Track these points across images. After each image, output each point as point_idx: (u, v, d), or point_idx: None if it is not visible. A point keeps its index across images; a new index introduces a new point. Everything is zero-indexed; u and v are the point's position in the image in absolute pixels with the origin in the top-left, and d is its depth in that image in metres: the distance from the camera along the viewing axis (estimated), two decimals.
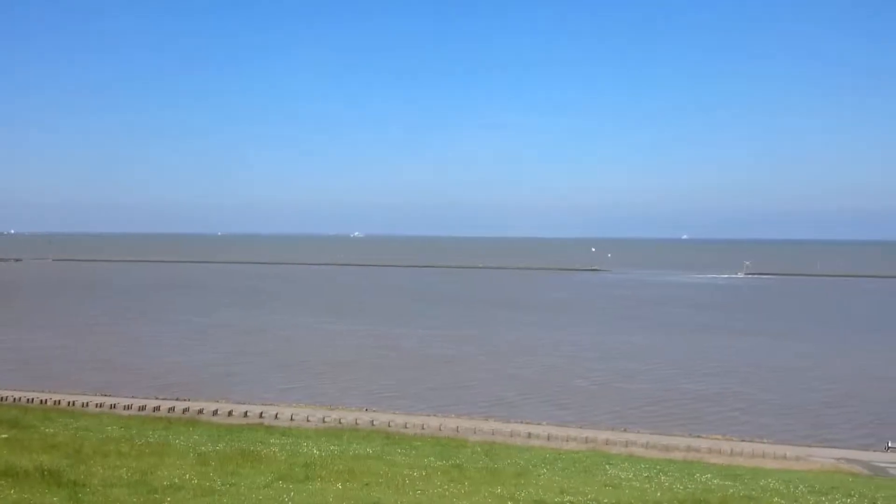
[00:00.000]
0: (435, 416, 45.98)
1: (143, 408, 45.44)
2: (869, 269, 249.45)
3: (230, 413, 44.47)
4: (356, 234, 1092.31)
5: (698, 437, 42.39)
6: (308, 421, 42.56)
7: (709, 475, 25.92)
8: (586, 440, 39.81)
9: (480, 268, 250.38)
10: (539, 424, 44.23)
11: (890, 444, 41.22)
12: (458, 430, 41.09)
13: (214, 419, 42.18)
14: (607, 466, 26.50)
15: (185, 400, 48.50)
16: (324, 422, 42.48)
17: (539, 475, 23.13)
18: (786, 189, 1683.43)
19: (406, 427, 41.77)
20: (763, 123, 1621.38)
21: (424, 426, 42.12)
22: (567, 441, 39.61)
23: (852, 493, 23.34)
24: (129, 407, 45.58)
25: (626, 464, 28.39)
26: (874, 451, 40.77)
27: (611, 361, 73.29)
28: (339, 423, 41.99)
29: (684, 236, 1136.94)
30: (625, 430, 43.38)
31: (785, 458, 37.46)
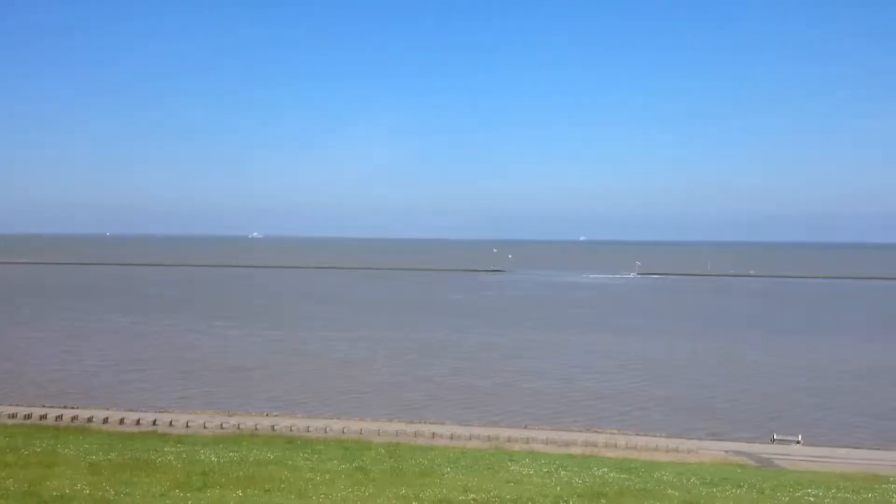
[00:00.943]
0: (338, 418, 45.53)
1: (28, 416, 43.19)
2: (756, 270, 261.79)
3: (122, 421, 42.78)
4: (254, 234, 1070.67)
5: (596, 432, 43.47)
6: (205, 428, 41.41)
7: (606, 469, 26.65)
8: (489, 438, 40.22)
9: (381, 269, 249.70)
10: (443, 424, 44.42)
11: (775, 437, 43.31)
12: (361, 433, 40.83)
13: (105, 427, 40.50)
14: (509, 463, 26.89)
15: (73, 408, 46.34)
16: (222, 428, 41.43)
17: (443, 474, 23.25)
18: (678, 193, 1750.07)
19: (308, 431, 41.21)
20: (656, 128, 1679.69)
21: (328, 429, 41.66)
22: (470, 440, 39.94)
23: (741, 483, 24.44)
24: (13, 416, 43.23)
25: (528, 460, 28.89)
26: (761, 443, 42.72)
27: (512, 360, 74.33)
28: (239, 428, 41.05)
29: (582, 238, 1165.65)
30: (525, 428, 44.06)
31: (678, 451, 38.83)
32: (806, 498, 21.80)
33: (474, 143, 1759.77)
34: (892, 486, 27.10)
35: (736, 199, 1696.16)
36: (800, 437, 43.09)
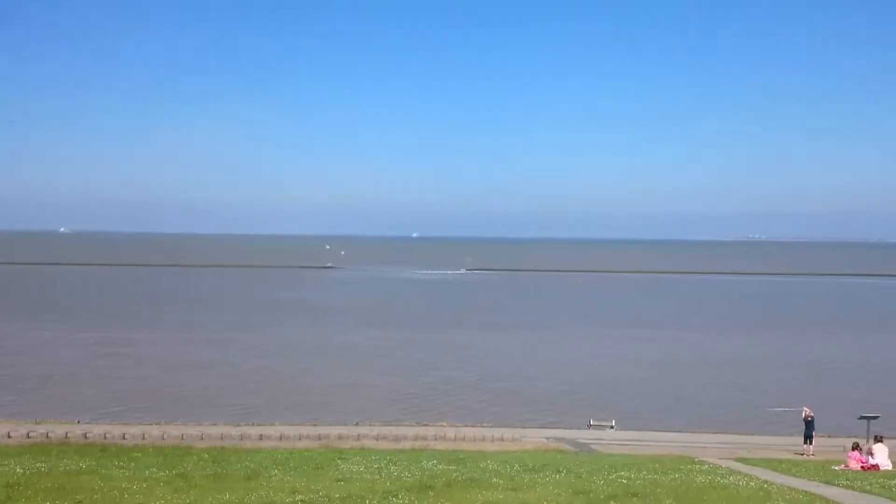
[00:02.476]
0: (156, 424, 43.41)
1: None
2: (583, 265, 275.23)
3: None
4: (63, 229, 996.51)
5: (426, 425, 44.09)
6: (9, 437, 38.23)
7: (435, 461, 27.07)
8: (319, 437, 39.77)
9: (207, 266, 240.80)
10: (271, 425, 43.46)
11: (591, 422, 45.70)
12: (182, 438, 39.12)
13: None
14: (339, 462, 26.72)
15: None
16: (28, 437, 38.40)
17: (270, 476, 22.74)
18: (509, 190, 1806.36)
19: (124, 438, 38.99)
20: (489, 128, 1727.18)
21: (145, 436, 39.60)
22: (300, 440, 39.32)
23: (560, 468, 25.57)
24: None
25: (358, 457, 28.84)
26: (579, 429, 44.93)
27: (345, 358, 74.03)
28: (48, 437, 38.19)
29: (414, 234, 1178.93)
30: (357, 425, 43.96)
31: (503, 440, 40.09)
32: (619, 480, 23.07)
33: (301, 137, 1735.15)
34: (697, 465, 29.33)
35: (567, 196, 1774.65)
36: (613, 422, 45.71)
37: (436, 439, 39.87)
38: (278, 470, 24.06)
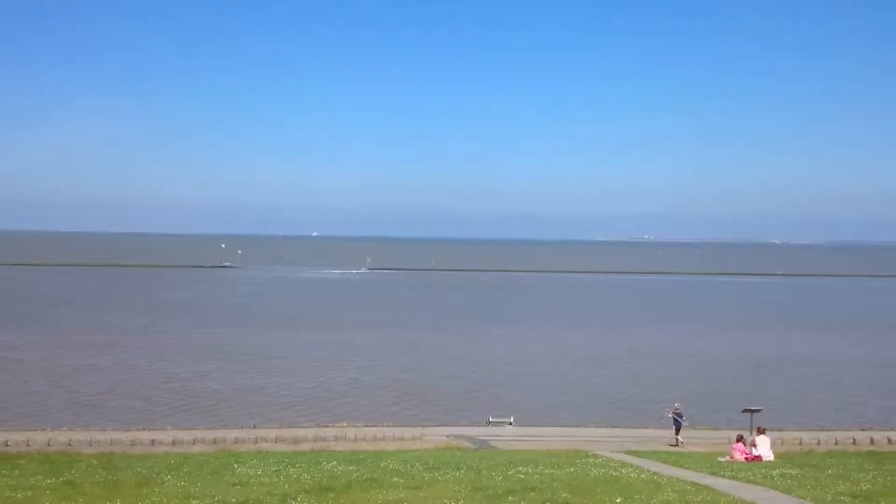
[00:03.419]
0: (42, 430, 41.45)
1: None
2: (484, 265, 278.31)
3: None
4: None
5: (326, 426, 43.73)
6: None
7: (335, 462, 26.86)
8: (214, 441, 38.86)
9: (95, 265, 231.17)
10: (164, 430, 42.17)
11: (491, 419, 46.34)
12: (70, 444, 37.51)
13: None
14: (236, 466, 26.15)
15: None
16: None
17: (163, 482, 22.09)
18: (417, 189, 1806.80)
19: (7, 445, 37.08)
20: (394, 125, 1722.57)
21: (30, 442, 37.79)
22: (194, 444, 38.30)
23: (460, 465, 25.80)
24: None
25: (256, 461, 28.30)
26: (479, 426, 45.49)
27: (242, 360, 72.53)
28: None
29: (314, 234, 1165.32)
30: (254, 427, 43.18)
31: (403, 439, 40.19)
32: (517, 475, 23.46)
33: (195, 133, 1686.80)
34: (591, 459, 30.15)
35: (474, 196, 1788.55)
36: (512, 418, 46.50)
37: (336, 440, 39.60)
38: (172, 475, 23.37)
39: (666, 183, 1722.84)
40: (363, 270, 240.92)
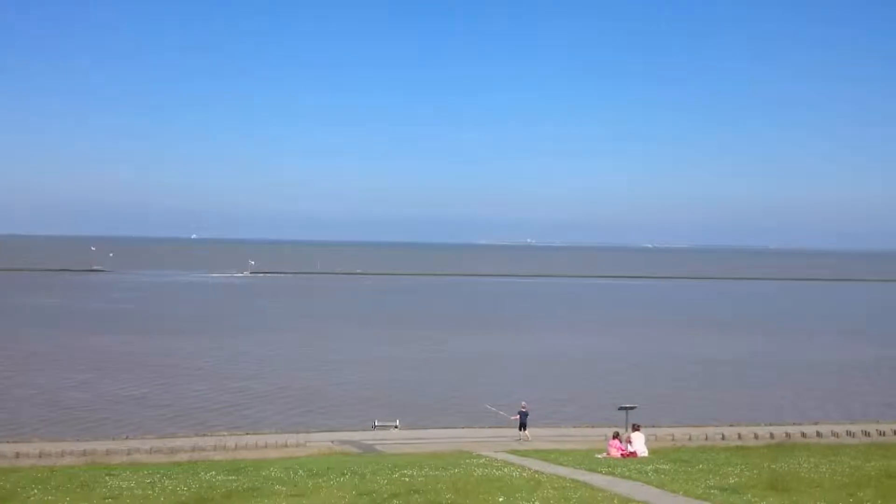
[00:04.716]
0: None
1: None
2: (369, 268, 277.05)
3: None
4: None
5: (204, 436, 42.39)
6: None
7: (214, 472, 26.08)
8: (84, 453, 37.00)
9: None
10: (29, 442, 39.82)
11: (376, 423, 46.15)
12: None
13: None
14: (107, 478, 24.98)
15: None
16: None
17: (28, 497, 20.90)
18: (297, 190, 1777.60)
19: None
20: (275, 124, 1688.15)
21: None
22: (62, 456, 36.36)
23: (345, 471, 25.55)
24: None
25: (129, 472, 27.13)
26: (364, 430, 45.18)
27: (114, 368, 69.44)
28: None
29: (193, 236, 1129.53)
30: (127, 438, 41.38)
31: (286, 446, 39.45)
32: (402, 478, 23.45)
33: (62, 130, 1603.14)
34: (474, 459, 30.47)
35: (363, 199, 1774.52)
36: (398, 421, 46.47)
37: (215, 449, 38.45)
38: (38, 490, 22.09)
39: (545, 188, 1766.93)
40: (245, 274, 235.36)
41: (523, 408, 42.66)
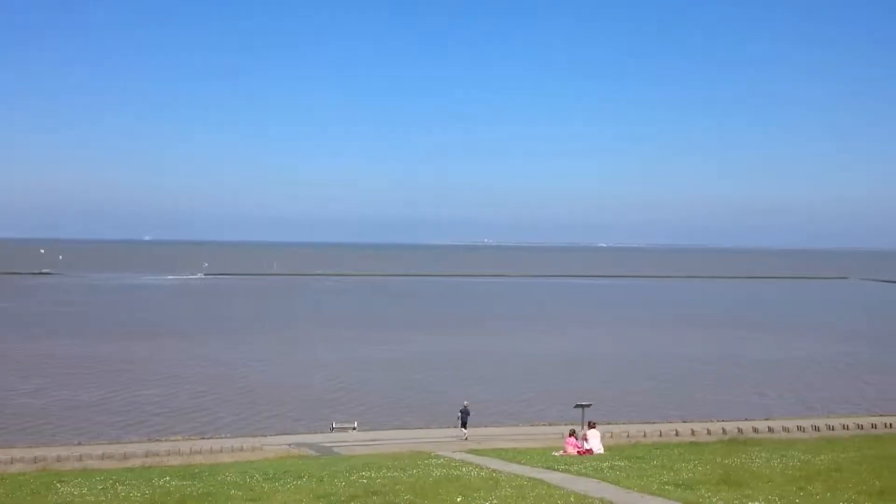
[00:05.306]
0: None
1: None
2: (325, 269, 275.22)
3: None
4: None
5: (157, 441, 41.75)
6: None
7: (168, 478, 25.69)
8: (35, 460, 36.17)
9: None
10: None
11: (334, 425, 45.91)
12: None
13: None
14: (58, 485, 24.45)
15: None
16: None
17: None
18: (247, 194, 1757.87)
19: None
20: (223, 124, 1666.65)
21: None
22: (12, 463, 35.51)
23: (302, 474, 25.35)
24: None
25: (80, 479, 26.58)
26: (322, 432, 44.91)
27: (63, 374, 67.96)
28: None
29: (147, 237, 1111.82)
30: (79, 444, 40.58)
31: (242, 450, 39.02)
32: (360, 481, 23.34)
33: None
34: (433, 460, 30.45)
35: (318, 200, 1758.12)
36: (356, 423, 46.30)
37: (169, 454, 37.89)
38: None
39: (504, 187, 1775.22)
40: (199, 276, 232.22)
41: (465, 407, 43.25)
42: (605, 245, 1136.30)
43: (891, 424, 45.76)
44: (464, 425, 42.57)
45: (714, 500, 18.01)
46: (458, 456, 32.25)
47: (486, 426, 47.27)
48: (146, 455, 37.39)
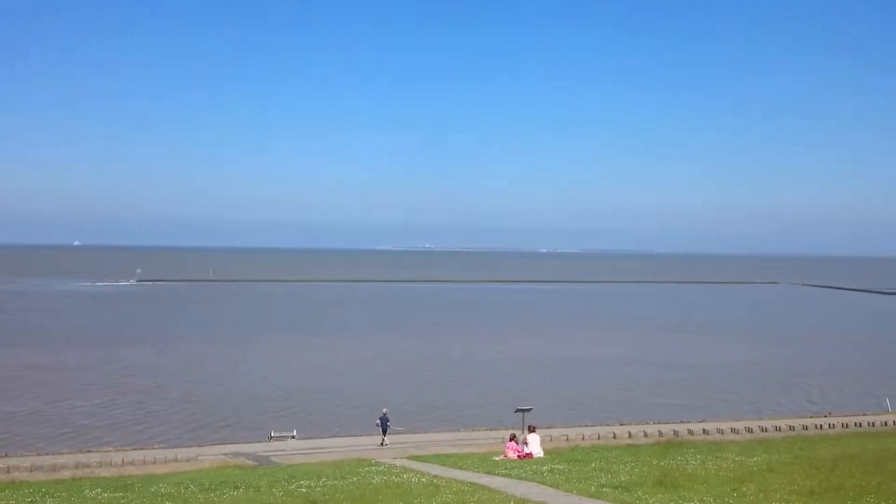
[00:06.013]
0: None
1: None
2: (266, 275, 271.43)
3: None
4: None
5: (88, 451, 40.50)
6: None
7: (99, 489, 25.00)
8: None
9: None
10: None
11: (272, 434, 45.20)
12: None
13: None
14: None
15: None
16: None
17: None
18: (176, 194, 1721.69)
19: None
20: (151, 127, 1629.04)
21: None
22: None
23: (239, 484, 24.91)
24: None
25: (8, 492, 25.68)
26: (259, 442, 44.16)
27: None
28: None
29: (76, 243, 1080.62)
30: (5, 456, 39.10)
31: (176, 461, 38.12)
32: (299, 490, 23.05)
33: None
34: (374, 467, 30.27)
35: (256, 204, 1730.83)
36: (295, 431, 45.68)
37: (101, 466, 36.78)
38: None
39: (440, 193, 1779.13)
40: (132, 282, 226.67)
41: (383, 415, 43.77)
42: (544, 251, 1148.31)
43: (821, 426, 47.17)
44: (384, 432, 43.12)
45: (651, 501, 18.28)
46: (398, 462, 32.14)
47: (426, 432, 47.16)
48: (76, 467, 36.21)
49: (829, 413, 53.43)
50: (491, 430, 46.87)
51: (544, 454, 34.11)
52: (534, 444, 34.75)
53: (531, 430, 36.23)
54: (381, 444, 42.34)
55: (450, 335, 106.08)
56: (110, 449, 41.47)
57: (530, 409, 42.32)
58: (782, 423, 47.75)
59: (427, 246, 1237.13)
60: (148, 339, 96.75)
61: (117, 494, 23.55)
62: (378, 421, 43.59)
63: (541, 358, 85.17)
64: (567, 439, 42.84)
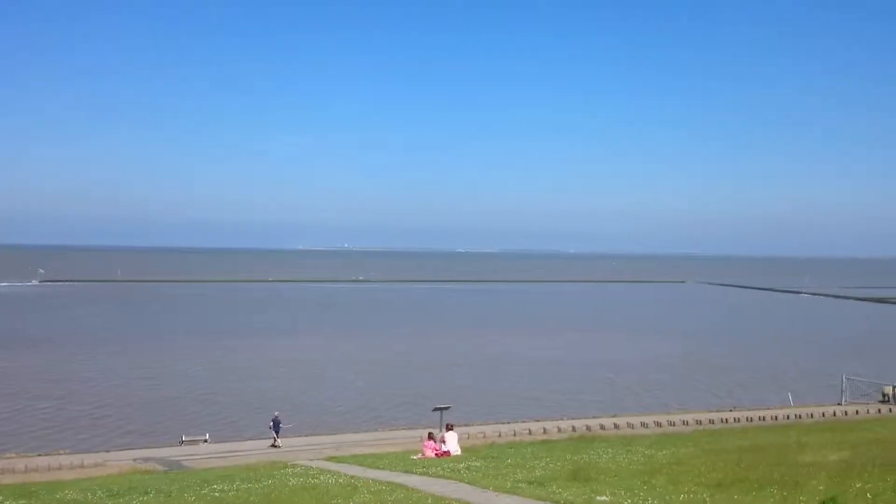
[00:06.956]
0: None
1: None
2: (175, 275, 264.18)
3: None
4: None
5: None
6: None
7: (2, 497, 23.97)
8: None
9: None
10: None
11: (184, 438, 44.14)
12: None
13: None
14: None
15: None
16: None
17: None
18: (76, 191, 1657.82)
19: None
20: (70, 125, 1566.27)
21: None
22: None
23: (149, 490, 24.25)
24: None
25: None
26: (170, 446, 43.07)
27: None
28: None
29: None
30: None
31: (83, 466, 36.88)
32: (212, 494, 22.61)
33: None
34: (290, 469, 29.90)
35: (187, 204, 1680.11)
36: (207, 435, 44.73)
37: (2, 473, 35.28)
38: None
39: (367, 194, 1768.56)
40: (34, 283, 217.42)
41: (276, 417, 44.01)
42: (462, 250, 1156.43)
43: (725, 419, 49.02)
44: (276, 434, 43.27)
45: (565, 495, 18.62)
46: (315, 464, 31.85)
47: (344, 432, 46.90)
48: None
49: (734, 407, 55.62)
50: (409, 429, 46.97)
51: (462, 452, 34.32)
52: (451, 442, 34.93)
53: (449, 428, 36.41)
54: (273, 445, 42.47)
55: (366, 336, 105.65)
56: (13, 455, 39.78)
57: (448, 408, 42.56)
58: (689, 418, 49.43)
59: (346, 246, 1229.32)
60: (52, 341, 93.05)
61: (20, 502, 22.64)
62: (271, 423, 43.73)
63: (459, 357, 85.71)
64: (484, 437, 43.29)
